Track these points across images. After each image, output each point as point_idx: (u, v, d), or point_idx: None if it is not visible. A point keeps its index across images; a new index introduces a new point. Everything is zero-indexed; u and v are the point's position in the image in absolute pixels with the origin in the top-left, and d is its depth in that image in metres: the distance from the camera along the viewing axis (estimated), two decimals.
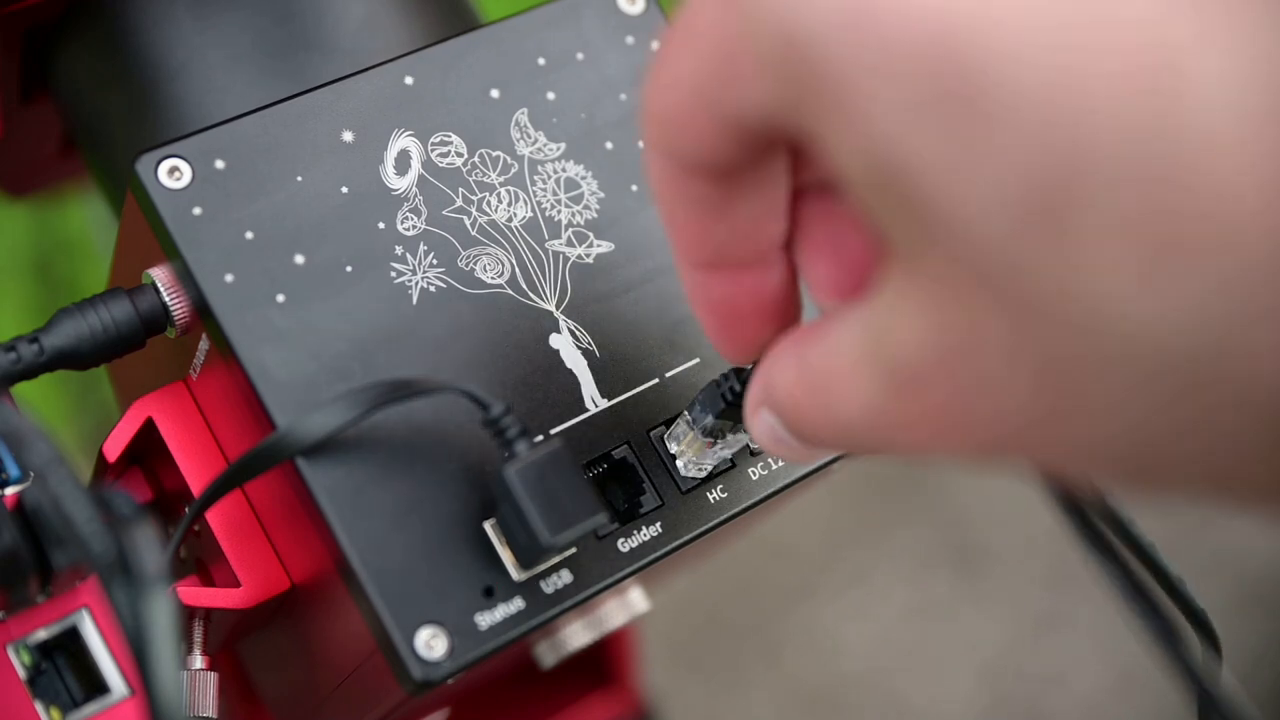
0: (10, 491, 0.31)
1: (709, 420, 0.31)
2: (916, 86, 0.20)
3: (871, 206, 0.22)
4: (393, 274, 0.32)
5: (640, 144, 0.25)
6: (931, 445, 0.23)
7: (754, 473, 0.33)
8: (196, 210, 0.31)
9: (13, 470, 0.32)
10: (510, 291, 0.33)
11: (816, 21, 0.21)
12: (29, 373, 0.31)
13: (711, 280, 0.26)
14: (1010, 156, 0.19)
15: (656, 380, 0.33)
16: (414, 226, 0.32)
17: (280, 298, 0.31)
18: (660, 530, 0.32)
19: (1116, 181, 0.18)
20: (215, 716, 0.34)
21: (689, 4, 0.24)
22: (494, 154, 0.34)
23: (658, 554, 0.32)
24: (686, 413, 0.32)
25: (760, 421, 0.27)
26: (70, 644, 0.33)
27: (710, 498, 0.33)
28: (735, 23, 0.22)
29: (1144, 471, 0.21)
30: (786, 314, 0.27)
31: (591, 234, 0.34)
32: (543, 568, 0.31)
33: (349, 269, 0.31)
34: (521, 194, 0.33)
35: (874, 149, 0.21)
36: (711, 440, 0.31)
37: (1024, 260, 0.20)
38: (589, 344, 0.33)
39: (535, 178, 0.34)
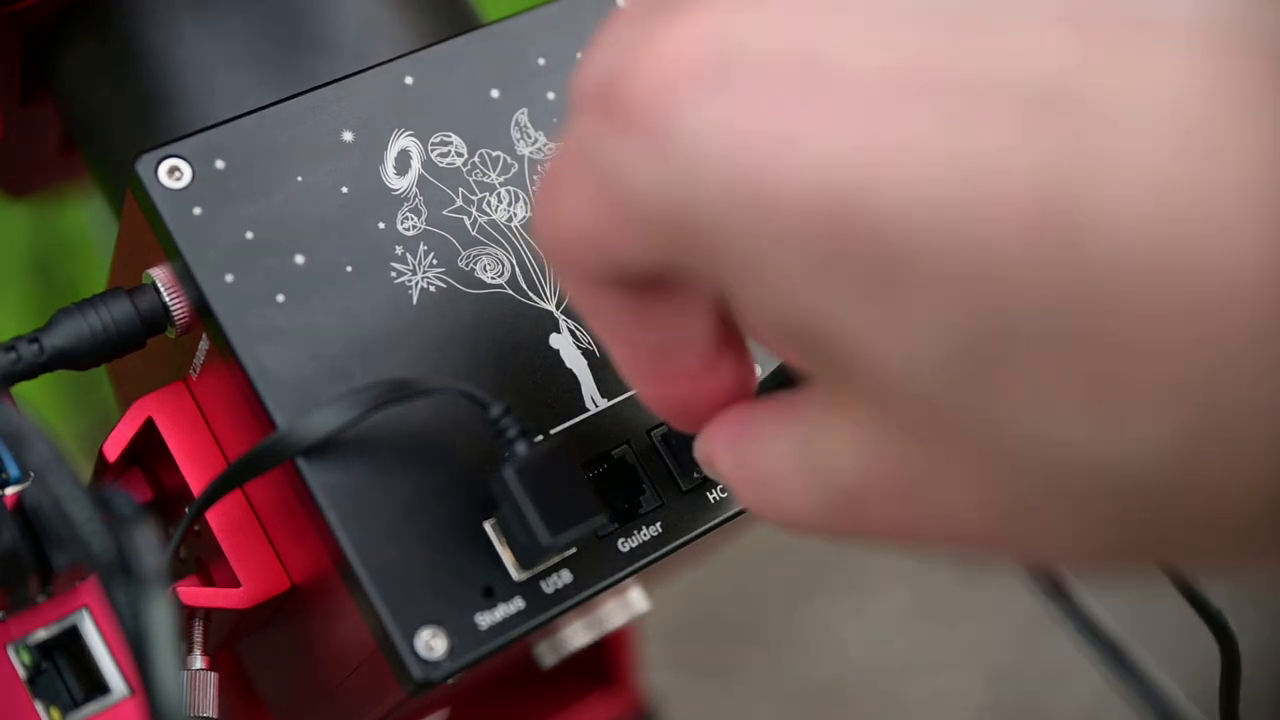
0: (10, 491, 0.31)
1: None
2: (821, 259, 0.19)
3: (787, 353, 0.21)
4: (393, 274, 0.32)
5: None
6: (881, 543, 0.23)
7: None
8: (196, 210, 0.31)
9: (13, 470, 0.31)
10: (510, 291, 0.33)
11: (698, 195, 0.20)
12: (29, 373, 0.31)
13: (659, 391, 0.26)
14: (929, 318, 0.19)
15: None
16: (414, 226, 0.32)
17: (280, 298, 0.31)
18: (660, 530, 0.32)
19: (1039, 333, 0.18)
20: (215, 716, 0.34)
21: (555, 153, 0.23)
22: (494, 154, 0.34)
23: (658, 554, 0.32)
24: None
25: (707, 470, 0.27)
26: (70, 644, 0.33)
27: (710, 498, 0.33)
28: (609, 201, 0.22)
29: (1099, 561, 0.21)
30: (742, 393, 0.26)
31: None
32: (543, 568, 0.31)
33: (349, 269, 0.31)
34: (522, 194, 0.33)
35: (782, 312, 0.20)
36: None
37: (957, 412, 0.19)
38: (589, 344, 0.33)
39: (535, 178, 0.34)
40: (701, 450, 0.27)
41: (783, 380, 0.29)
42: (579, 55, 0.35)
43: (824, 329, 0.20)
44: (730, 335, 0.25)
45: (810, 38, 0.19)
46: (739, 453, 0.25)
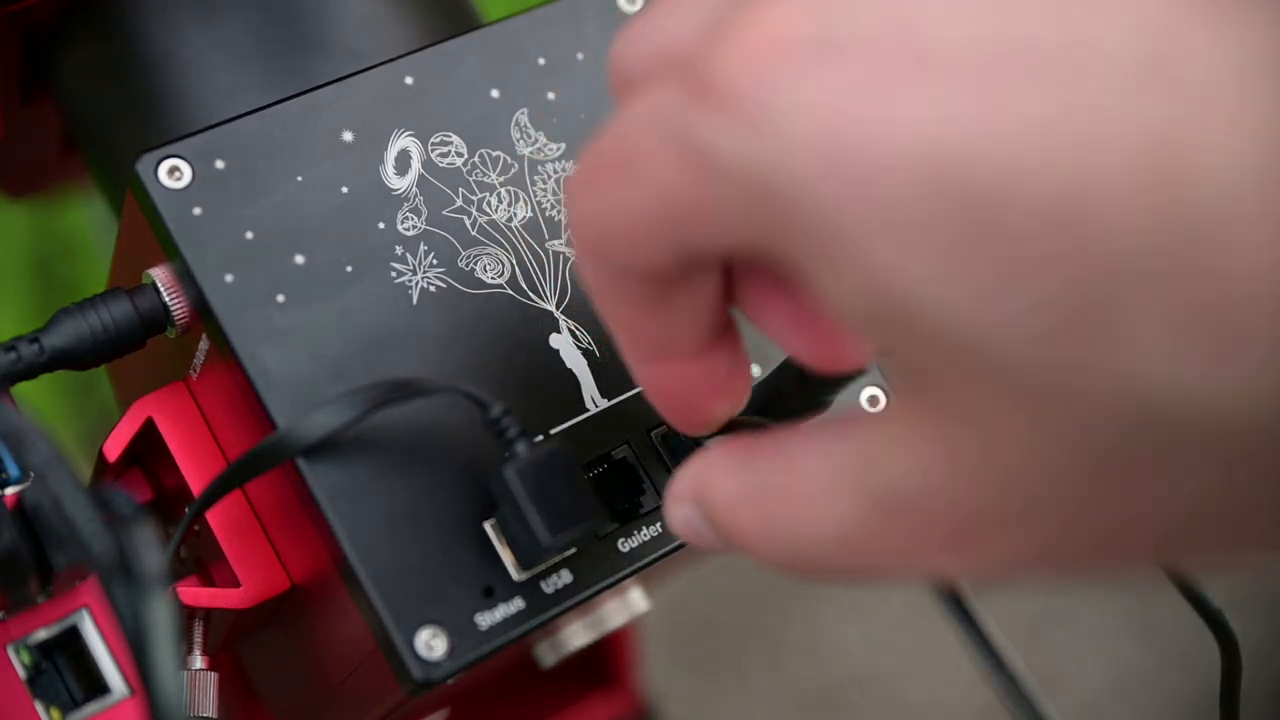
0: (10, 491, 0.31)
1: None
2: (921, 221, 0.19)
3: (873, 338, 0.21)
4: (393, 274, 0.32)
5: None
6: (905, 569, 0.23)
7: None
8: (196, 210, 0.31)
9: (13, 470, 0.31)
10: (510, 291, 0.33)
11: (794, 167, 0.20)
12: (29, 373, 0.31)
13: (658, 372, 0.26)
14: (1037, 275, 0.19)
15: None
16: (414, 226, 0.32)
17: (280, 298, 0.31)
18: (660, 530, 0.32)
19: (1151, 280, 0.18)
20: (215, 716, 0.34)
21: (618, 130, 0.23)
22: (494, 154, 0.33)
23: (658, 554, 0.32)
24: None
25: (680, 513, 0.26)
26: (70, 644, 0.33)
27: None
28: (697, 175, 0.21)
29: (1218, 540, 0.21)
30: (737, 391, 0.26)
31: None
32: (543, 568, 0.31)
33: (349, 269, 0.31)
34: (521, 194, 0.33)
35: (875, 286, 0.20)
36: None
37: (1066, 373, 0.19)
38: (589, 344, 0.33)
39: (535, 178, 0.34)
40: (698, 474, 0.26)
41: (762, 408, 0.29)
42: (579, 55, 0.35)
43: (919, 305, 0.20)
44: (729, 329, 0.25)
45: (905, 11, 0.20)
46: (754, 471, 0.24)
